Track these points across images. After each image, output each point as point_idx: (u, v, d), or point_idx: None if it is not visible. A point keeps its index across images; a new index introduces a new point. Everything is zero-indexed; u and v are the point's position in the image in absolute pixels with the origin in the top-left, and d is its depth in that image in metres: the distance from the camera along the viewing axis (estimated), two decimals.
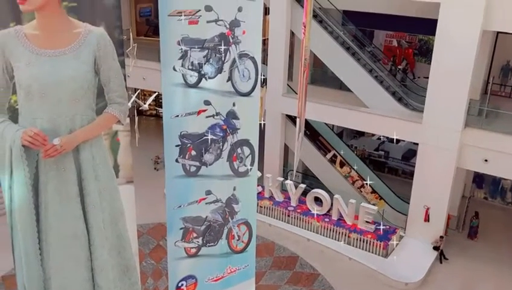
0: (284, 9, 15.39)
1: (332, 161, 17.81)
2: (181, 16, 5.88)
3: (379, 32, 19.69)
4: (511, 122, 13.76)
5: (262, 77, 10.89)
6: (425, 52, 18.94)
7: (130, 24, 20.55)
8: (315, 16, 15.92)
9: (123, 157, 6.09)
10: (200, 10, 5.98)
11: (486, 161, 13.51)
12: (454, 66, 12.85)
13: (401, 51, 19.57)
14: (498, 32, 14.99)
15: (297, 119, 10.10)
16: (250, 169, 7.08)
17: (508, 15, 12.19)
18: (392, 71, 17.98)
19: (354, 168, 17.50)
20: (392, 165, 20.23)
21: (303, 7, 9.39)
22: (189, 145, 6.53)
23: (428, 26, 14.01)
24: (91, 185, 5.26)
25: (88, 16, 5.35)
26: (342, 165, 17.74)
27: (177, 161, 6.55)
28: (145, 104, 12.49)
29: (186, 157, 6.58)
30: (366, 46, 17.75)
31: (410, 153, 19.18)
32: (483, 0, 12.11)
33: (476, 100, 14.63)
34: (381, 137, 20.29)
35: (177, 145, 6.49)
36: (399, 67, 19.10)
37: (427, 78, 13.87)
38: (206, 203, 6.86)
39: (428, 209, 14.52)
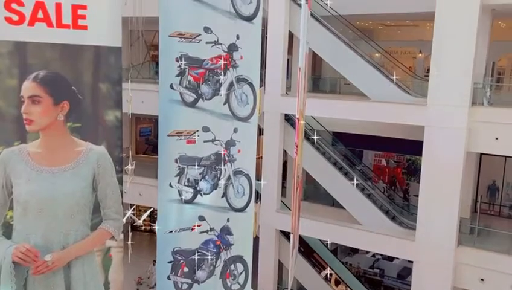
0: (277, 130, 16.09)
1: (327, 278, 17.34)
2: (179, 136, 6.21)
3: (368, 152, 20.38)
4: (503, 240, 13.75)
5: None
6: (414, 172, 19.46)
7: (130, 143, 21.22)
8: (306, 136, 16.61)
9: (114, 274, 6.00)
10: (197, 130, 6.33)
11: (482, 280, 13.25)
12: (443, 185, 13.17)
13: (391, 170, 20.10)
14: (481, 154, 15.60)
15: (291, 235, 10.07)
16: (244, 287, 6.94)
17: (489, 138, 12.80)
18: (386, 192, 18.30)
19: (349, 287, 16.99)
20: (388, 284, 19.64)
21: (295, 128, 9.89)
22: (181, 261, 6.49)
23: (415, 147, 14.60)
24: None
25: (91, 136, 5.65)
26: (337, 283, 17.25)
27: (169, 278, 6.45)
28: (139, 219, 12.48)
29: (179, 275, 6.49)
30: (356, 165, 18.26)
31: (406, 271, 18.75)
32: (465, 124, 12.79)
33: (467, 218, 14.74)
34: (376, 254, 19.98)
35: (169, 262, 6.45)
36: (389, 185, 19.46)
37: (417, 196, 14.10)
38: None
39: None
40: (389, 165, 20.21)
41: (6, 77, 5.24)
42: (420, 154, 13.77)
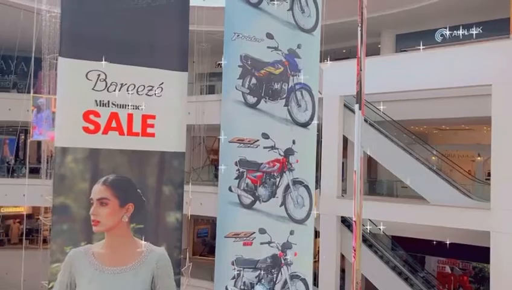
0: (334, 233, 15.80)
1: None
2: (236, 237, 6.29)
3: (430, 257, 19.37)
4: None
5: None
6: (481, 280, 18.12)
7: (187, 244, 21.47)
8: (364, 240, 16.14)
9: None
10: (254, 232, 6.40)
11: None
12: None
13: (456, 278, 18.84)
14: None
15: None
16: None
17: None
18: None
19: None
20: None
21: (352, 231, 9.72)
22: None
23: (482, 253, 13.78)
24: None
25: (152, 237, 5.85)
26: None
27: None
28: None
29: None
30: (418, 272, 17.32)
31: None
32: None
33: None
34: None
35: None
36: None
37: None
38: None
39: None
40: (454, 273, 18.97)
41: (79, 181, 5.65)
42: (488, 261, 12.94)
